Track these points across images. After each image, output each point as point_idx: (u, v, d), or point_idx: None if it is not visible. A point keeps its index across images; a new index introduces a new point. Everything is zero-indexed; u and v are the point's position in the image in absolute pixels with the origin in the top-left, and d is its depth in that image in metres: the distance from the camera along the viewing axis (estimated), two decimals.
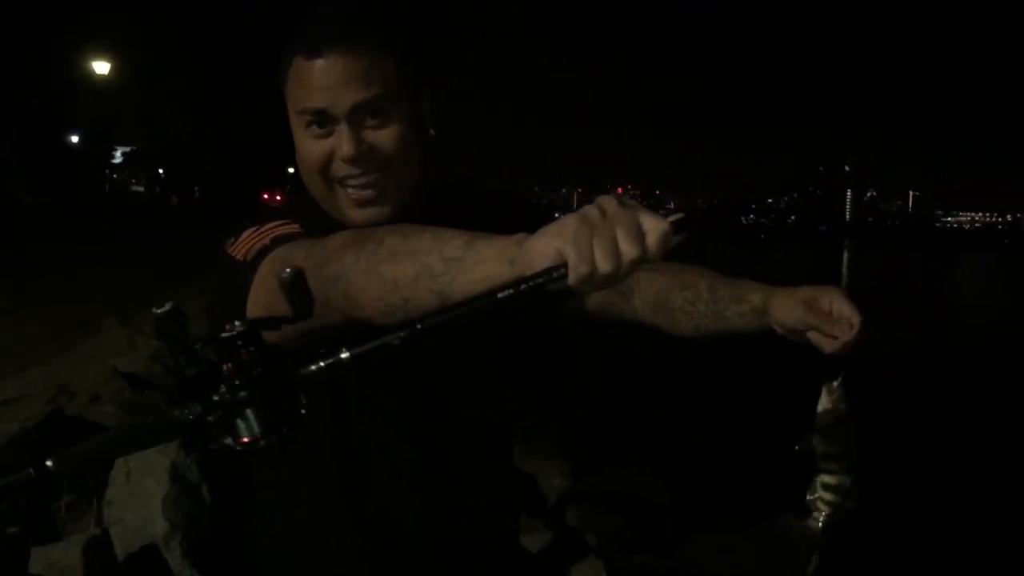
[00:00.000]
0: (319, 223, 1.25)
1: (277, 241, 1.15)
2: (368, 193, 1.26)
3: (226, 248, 1.23)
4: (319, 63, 1.20)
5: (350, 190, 1.26)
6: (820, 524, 1.22)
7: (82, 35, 29.96)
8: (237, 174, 36.16)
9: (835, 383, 1.19)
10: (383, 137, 1.24)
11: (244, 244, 1.19)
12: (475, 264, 0.87)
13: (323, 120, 1.23)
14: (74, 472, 0.87)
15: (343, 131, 1.22)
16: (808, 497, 1.22)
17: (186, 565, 2.56)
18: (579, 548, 4.26)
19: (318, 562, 1.34)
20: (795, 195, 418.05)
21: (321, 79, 1.20)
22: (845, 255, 71.38)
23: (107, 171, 47.36)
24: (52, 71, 32.12)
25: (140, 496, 2.70)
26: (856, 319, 1.18)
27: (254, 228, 1.21)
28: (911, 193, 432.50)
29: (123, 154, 50.41)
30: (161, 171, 48.59)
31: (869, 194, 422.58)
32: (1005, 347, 16.61)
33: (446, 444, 1.35)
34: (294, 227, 1.19)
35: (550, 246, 0.81)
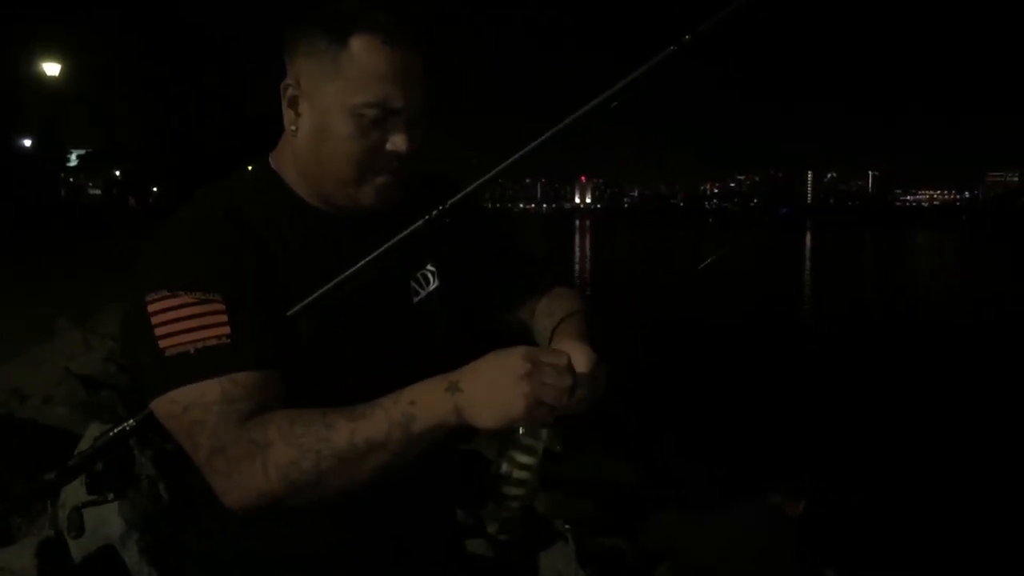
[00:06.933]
0: (277, 202, 1.25)
1: (202, 356, 1.08)
2: (396, 184, 1.26)
3: (146, 295, 1.11)
4: (399, 58, 1.18)
5: (380, 181, 1.24)
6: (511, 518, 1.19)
7: (30, 36, 29.34)
8: (194, 175, 35.78)
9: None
10: (423, 137, 1.26)
11: (166, 322, 1.10)
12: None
13: (383, 114, 1.19)
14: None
15: (402, 128, 1.21)
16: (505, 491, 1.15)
17: (143, 564, 2.51)
18: (549, 534, 4.26)
19: (270, 551, 1.30)
20: (756, 179, 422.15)
21: (397, 75, 1.18)
22: (808, 236, 72.30)
23: (62, 174, 46.50)
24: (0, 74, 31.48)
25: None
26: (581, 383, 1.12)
27: (179, 297, 1.11)
28: (870, 173, 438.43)
29: (78, 157, 49.58)
30: (117, 173, 47.82)
31: (829, 175, 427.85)
32: (965, 319, 16.92)
33: None
34: (219, 330, 1.10)
35: (500, 423, 1.04)
